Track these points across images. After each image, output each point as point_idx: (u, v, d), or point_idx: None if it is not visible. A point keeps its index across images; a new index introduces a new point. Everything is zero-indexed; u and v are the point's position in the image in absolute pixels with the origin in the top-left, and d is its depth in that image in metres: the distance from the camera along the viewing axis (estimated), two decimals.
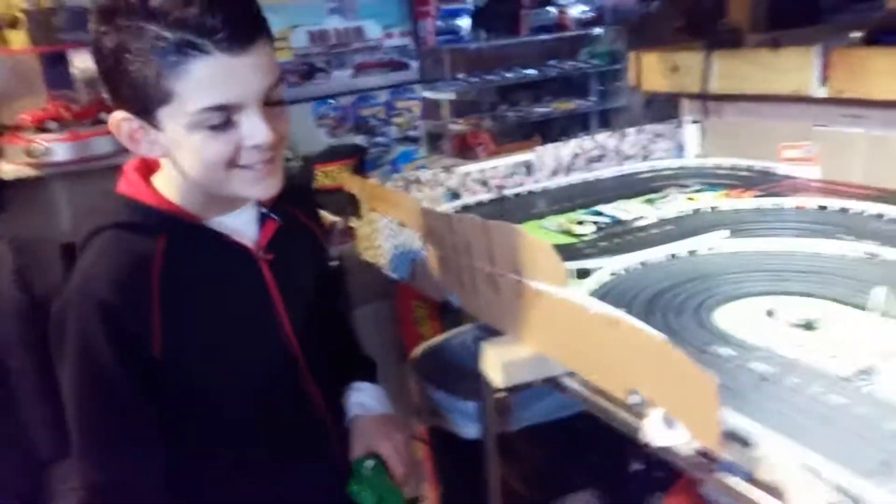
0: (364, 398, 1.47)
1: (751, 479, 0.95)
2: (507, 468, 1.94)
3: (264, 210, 1.28)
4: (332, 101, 3.13)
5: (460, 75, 3.29)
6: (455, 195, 2.17)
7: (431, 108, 3.31)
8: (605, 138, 2.36)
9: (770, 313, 1.32)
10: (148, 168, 1.23)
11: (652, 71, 2.61)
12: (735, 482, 0.96)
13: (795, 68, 2.09)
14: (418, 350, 2.16)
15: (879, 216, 1.74)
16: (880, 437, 0.94)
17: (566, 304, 1.19)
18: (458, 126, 3.29)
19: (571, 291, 1.21)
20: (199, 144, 1.05)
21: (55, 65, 2.50)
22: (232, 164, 1.08)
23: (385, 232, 1.78)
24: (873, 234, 1.61)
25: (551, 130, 3.43)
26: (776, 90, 2.18)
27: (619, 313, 1.09)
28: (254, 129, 1.06)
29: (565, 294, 1.20)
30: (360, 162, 3.03)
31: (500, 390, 1.40)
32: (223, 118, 1.04)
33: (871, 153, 1.98)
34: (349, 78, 3.12)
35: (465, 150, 3.33)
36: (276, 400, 1.30)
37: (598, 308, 1.14)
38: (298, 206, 1.41)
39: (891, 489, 0.83)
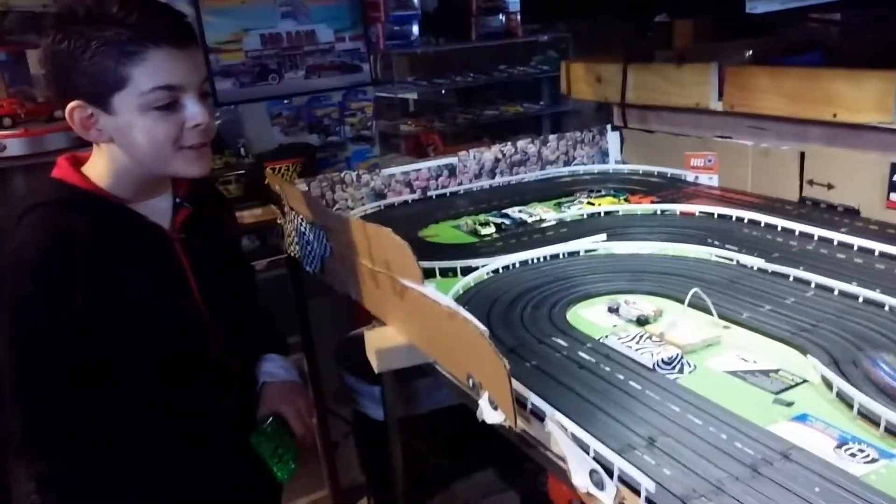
0: (272, 367, 1.67)
1: (549, 450, 1.11)
2: (417, 447, 2.10)
3: (178, 199, 1.47)
4: (285, 101, 3.27)
5: (411, 78, 3.44)
6: (380, 195, 2.32)
7: (384, 110, 3.46)
8: (526, 144, 2.51)
9: (613, 310, 1.47)
10: (77, 161, 1.43)
11: (579, 80, 2.76)
12: (549, 455, 1.11)
13: (696, 83, 2.24)
14: (343, 338, 2.32)
15: (753, 223, 1.89)
16: (656, 417, 1.09)
17: (421, 299, 1.34)
18: (409, 127, 3.44)
19: (427, 288, 1.36)
20: (150, 125, 1.26)
21: (14, 64, 2.65)
22: (176, 143, 1.30)
23: (299, 229, 1.93)
24: (738, 240, 1.77)
25: (503, 133, 3.57)
26: (681, 103, 2.33)
27: (456, 307, 1.24)
28: (195, 111, 1.29)
29: (421, 290, 1.35)
30: (312, 160, 3.17)
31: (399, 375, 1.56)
32: (170, 98, 1.26)
33: (758, 164, 2.14)
34: (302, 79, 3.26)
35: (417, 149, 3.48)
36: (189, 355, 1.47)
37: (444, 303, 1.29)
38: (208, 198, 1.58)
39: (641, 463, 0.99)
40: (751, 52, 2.19)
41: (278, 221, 2.20)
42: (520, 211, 2.15)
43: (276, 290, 2.38)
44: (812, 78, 1.90)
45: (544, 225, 2.03)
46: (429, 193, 2.38)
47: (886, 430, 1.01)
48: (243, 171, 2.99)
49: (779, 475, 0.93)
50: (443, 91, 3.51)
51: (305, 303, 2.53)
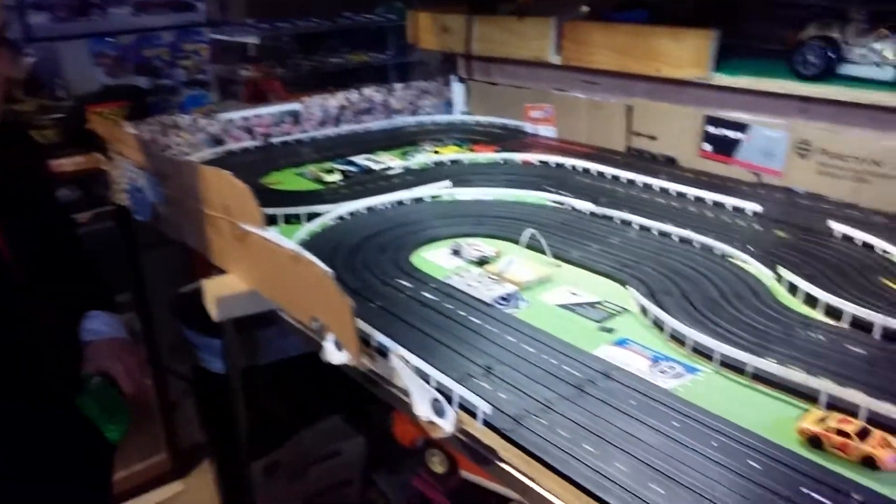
0: (97, 324, 1.57)
1: (393, 386, 1.13)
2: (261, 400, 2.07)
3: None
4: (110, 39, 3.00)
5: (250, 20, 3.28)
6: (218, 141, 2.21)
7: (221, 54, 3.28)
8: (372, 92, 2.48)
9: (455, 252, 1.52)
10: None
11: (425, 30, 2.76)
12: (393, 391, 1.14)
13: (535, 37, 2.32)
14: (179, 292, 2.21)
15: (585, 171, 2.01)
16: (494, 348, 1.15)
17: (263, 244, 1.31)
18: (249, 73, 3.28)
19: (270, 232, 1.33)
20: None
21: None
22: None
23: (127, 174, 1.81)
24: (571, 187, 1.87)
25: (348, 82, 3.50)
26: (522, 56, 2.40)
27: (300, 250, 1.23)
28: None
29: (263, 234, 1.32)
30: (141, 105, 2.95)
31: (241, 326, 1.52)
32: None
33: (591, 116, 2.26)
34: (129, 16, 3.01)
35: (257, 96, 3.34)
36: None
37: (288, 246, 1.27)
38: (12, 142, 1.44)
39: (479, 389, 1.04)
40: (587, 8, 2.29)
41: (103, 167, 2.04)
42: (366, 159, 2.14)
43: (105, 244, 2.22)
44: (639, 34, 2.02)
45: (390, 173, 2.04)
46: (271, 140, 2.31)
47: (693, 349, 1.12)
48: (62, 115, 2.72)
49: (601, 392, 1.02)
50: (284, 37, 3.37)
51: (137, 256, 2.38)
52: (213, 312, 1.43)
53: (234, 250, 1.45)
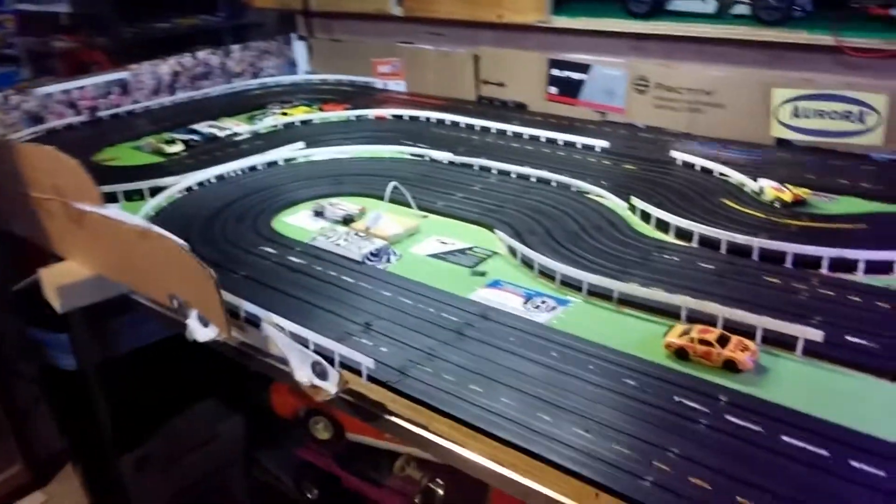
0: None
1: (269, 355, 1.08)
2: (123, 393, 1.92)
3: None
4: None
5: None
6: (37, 119, 1.99)
7: (33, 24, 2.95)
8: (208, 55, 2.33)
9: (318, 213, 1.47)
10: None
11: None
12: (269, 361, 1.08)
13: None
14: (15, 288, 2.00)
15: (440, 122, 2.00)
16: (370, 304, 1.13)
17: (105, 222, 1.20)
18: (65, 44, 2.98)
19: (110, 209, 1.21)
20: None
21: None
22: None
23: None
24: (427, 139, 1.86)
25: (179, 48, 3.27)
26: (363, 9, 2.34)
27: (148, 224, 1.13)
28: None
29: (103, 212, 1.20)
30: None
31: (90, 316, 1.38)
32: None
33: (439, 67, 2.25)
34: None
35: (77, 69, 3.04)
36: None
37: (133, 222, 1.16)
38: None
39: (360, 346, 1.01)
40: None
41: None
42: (209, 126, 2.01)
43: None
44: None
45: (238, 139, 1.93)
46: (98, 114, 2.11)
47: (562, 283, 1.16)
48: None
49: (480, 333, 1.03)
50: (100, 3, 3.07)
51: None
52: (57, 304, 1.30)
53: (71, 233, 1.31)
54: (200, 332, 1.13)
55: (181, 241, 1.07)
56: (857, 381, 0.90)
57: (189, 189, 1.59)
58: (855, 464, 0.76)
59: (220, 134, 1.96)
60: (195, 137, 1.92)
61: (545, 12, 1.92)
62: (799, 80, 1.62)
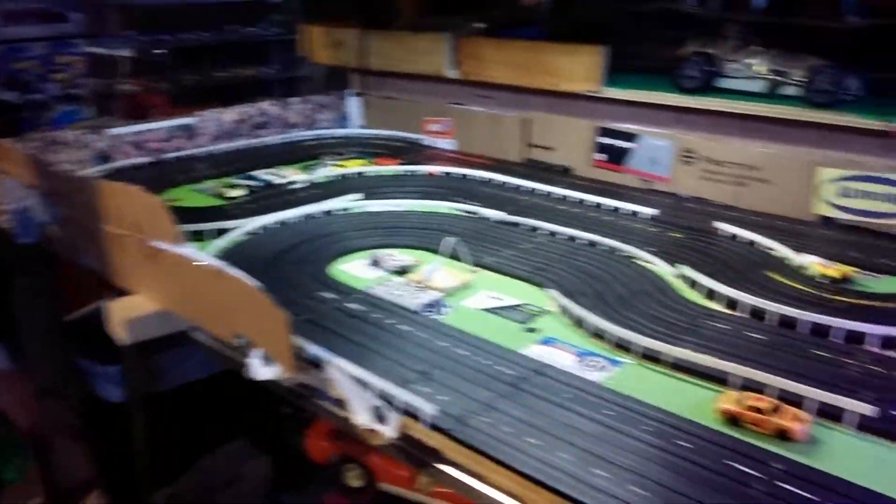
0: None
1: (326, 397, 1.12)
2: (162, 426, 1.96)
3: None
4: None
5: (129, 32, 3.13)
6: (105, 158, 2.10)
7: (99, 67, 3.11)
8: (268, 106, 2.44)
9: (375, 263, 1.53)
10: None
11: (318, 44, 2.75)
12: (325, 403, 1.12)
13: (430, 52, 2.37)
14: (67, 318, 2.07)
15: (488, 181, 2.07)
16: (427, 353, 1.17)
17: (180, 260, 1.26)
18: (129, 87, 3.13)
19: (185, 248, 1.28)
20: None
21: None
22: None
23: (10, 194, 1.68)
24: (477, 196, 1.92)
25: (233, 97, 3.42)
26: (419, 70, 2.45)
27: (221, 265, 1.19)
28: None
29: (179, 251, 1.27)
30: (13, 120, 2.75)
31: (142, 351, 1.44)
32: None
33: (490, 129, 2.34)
34: None
35: (138, 111, 3.18)
36: None
37: (205, 262, 1.23)
38: None
39: (420, 393, 1.05)
40: (482, 24, 2.37)
41: None
42: (267, 173, 2.10)
43: None
44: (534, 50, 2.12)
45: (295, 186, 2.01)
46: (164, 156, 2.21)
47: (615, 344, 1.19)
48: None
49: (536, 388, 1.06)
50: (162, 50, 3.24)
51: (10, 282, 2.21)
52: (122, 335, 1.36)
53: (143, 269, 1.38)
54: (261, 371, 1.17)
55: (255, 282, 1.13)
56: None
57: (250, 233, 1.65)
58: None
59: (278, 181, 2.04)
60: (254, 183, 2.01)
61: (598, 83, 1.99)
62: (845, 161, 1.66)
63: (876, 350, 1.16)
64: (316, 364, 1.12)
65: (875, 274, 1.45)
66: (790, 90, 1.78)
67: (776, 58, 1.82)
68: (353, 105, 2.68)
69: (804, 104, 1.72)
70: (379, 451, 1.11)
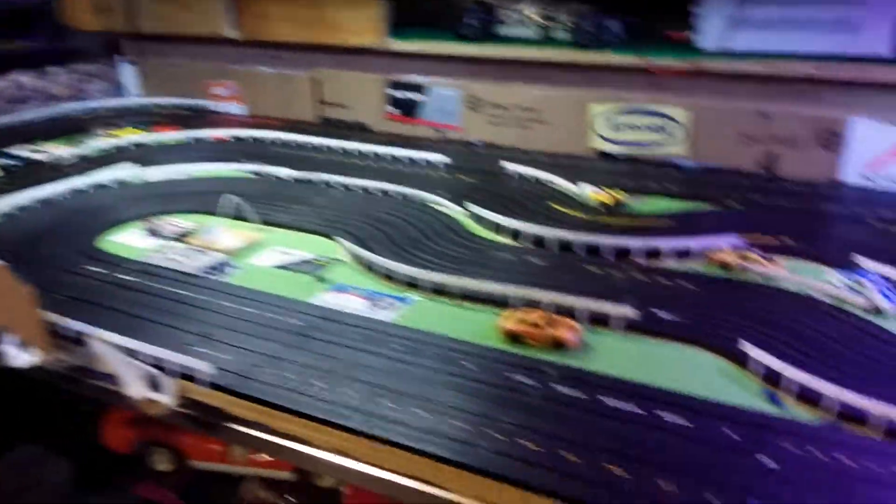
0: None
1: (99, 376, 1.02)
2: None
3: None
4: None
5: None
6: None
7: None
8: (25, 79, 2.18)
9: (152, 232, 1.42)
10: None
11: (81, 9, 2.49)
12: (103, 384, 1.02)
13: (206, 11, 2.23)
14: None
15: (282, 142, 2.00)
16: (209, 315, 1.10)
17: None
18: None
19: None
20: None
21: None
22: None
23: None
24: (271, 158, 1.84)
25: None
26: (196, 31, 2.29)
27: None
28: None
29: None
30: None
31: None
32: None
33: (280, 90, 2.25)
34: None
35: None
36: None
37: None
38: None
39: (198, 355, 0.98)
40: None
41: None
42: (29, 151, 1.88)
43: None
44: (316, 5, 2.05)
45: (63, 162, 1.82)
46: None
47: (404, 283, 1.19)
48: None
49: (324, 334, 1.03)
50: None
51: None
52: None
53: None
54: (19, 358, 1.05)
55: None
56: (668, 349, 1.00)
57: (6, 215, 1.47)
58: (666, 417, 0.84)
59: (42, 158, 1.84)
60: (12, 162, 1.79)
61: (383, 35, 1.98)
62: (614, 98, 1.78)
63: (641, 262, 1.25)
64: (78, 341, 1.01)
65: (642, 196, 1.57)
66: (560, 34, 1.87)
67: (546, 5, 1.90)
68: (128, 73, 2.47)
69: (573, 47, 1.82)
70: (166, 422, 1.03)
